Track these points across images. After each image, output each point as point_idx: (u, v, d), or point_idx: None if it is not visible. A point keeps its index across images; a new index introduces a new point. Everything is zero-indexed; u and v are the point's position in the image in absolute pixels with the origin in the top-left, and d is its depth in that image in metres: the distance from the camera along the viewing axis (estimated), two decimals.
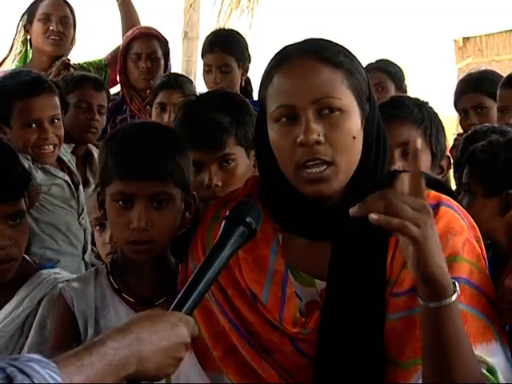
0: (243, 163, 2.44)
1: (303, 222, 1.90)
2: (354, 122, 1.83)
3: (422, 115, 2.66)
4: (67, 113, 3.61)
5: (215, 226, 1.94)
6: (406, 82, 4.89)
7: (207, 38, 4.65)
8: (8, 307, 2.31)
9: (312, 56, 1.83)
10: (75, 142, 3.77)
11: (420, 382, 1.76)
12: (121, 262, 2.23)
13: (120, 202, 2.10)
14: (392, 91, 4.70)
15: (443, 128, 2.68)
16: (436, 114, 2.68)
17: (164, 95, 3.91)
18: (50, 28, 4.45)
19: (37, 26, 4.49)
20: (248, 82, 4.54)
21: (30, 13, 4.53)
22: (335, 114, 1.81)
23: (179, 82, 3.93)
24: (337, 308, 1.84)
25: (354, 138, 1.82)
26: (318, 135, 1.79)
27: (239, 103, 2.51)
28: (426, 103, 2.79)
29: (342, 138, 1.81)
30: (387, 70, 4.77)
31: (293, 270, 1.91)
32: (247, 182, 2.04)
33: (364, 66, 1.94)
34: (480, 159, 2.51)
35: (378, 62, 4.85)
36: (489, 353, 1.80)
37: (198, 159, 2.38)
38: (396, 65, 4.88)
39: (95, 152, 3.86)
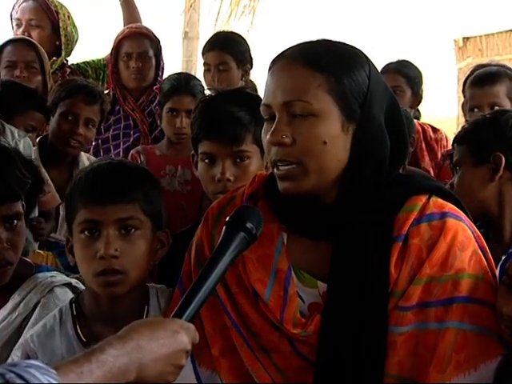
0: (257, 163, 2.45)
1: (304, 221, 1.90)
2: (328, 128, 1.81)
3: None
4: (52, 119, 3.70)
5: (221, 220, 1.94)
6: (422, 88, 4.80)
7: (209, 38, 4.66)
8: (3, 312, 2.27)
9: (294, 58, 1.84)
10: (59, 152, 3.77)
11: None
12: (89, 309, 2.09)
13: (86, 233, 2.03)
14: (408, 96, 4.67)
15: (410, 121, 2.70)
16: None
17: (175, 101, 3.88)
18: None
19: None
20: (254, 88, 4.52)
21: None
22: (306, 117, 1.81)
23: (190, 87, 3.91)
24: (337, 311, 1.83)
25: (325, 143, 1.81)
26: (282, 137, 1.81)
27: (259, 103, 2.51)
28: None
29: (309, 143, 1.81)
30: (407, 74, 4.69)
31: (296, 270, 1.90)
32: (254, 179, 2.04)
33: (384, 66, 1.94)
34: (464, 134, 2.65)
35: (399, 63, 4.76)
36: (491, 371, 1.80)
37: (214, 152, 2.40)
38: (416, 68, 4.80)
39: (84, 155, 3.89)
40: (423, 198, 1.89)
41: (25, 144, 3.53)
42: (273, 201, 1.93)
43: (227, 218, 1.75)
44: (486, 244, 1.92)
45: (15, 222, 2.23)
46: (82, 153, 3.91)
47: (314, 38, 1.92)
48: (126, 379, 1.46)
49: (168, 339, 1.54)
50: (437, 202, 1.89)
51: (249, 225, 1.72)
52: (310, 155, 1.81)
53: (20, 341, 2.18)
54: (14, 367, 1.32)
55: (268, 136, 1.83)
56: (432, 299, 1.81)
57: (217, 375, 1.91)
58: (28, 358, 2.04)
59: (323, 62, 1.82)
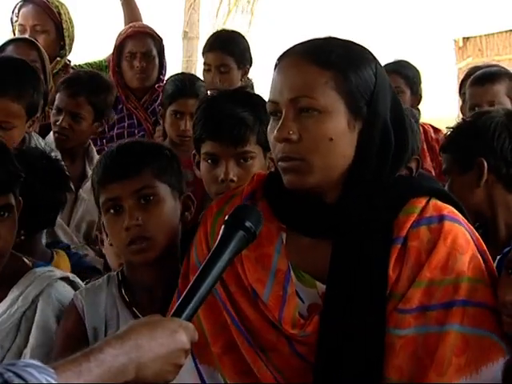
0: (260, 163, 2.45)
1: (305, 219, 1.89)
2: (334, 124, 1.82)
3: None
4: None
5: (220, 220, 1.93)
6: (421, 87, 4.82)
7: (209, 37, 4.64)
8: (2, 306, 2.28)
9: (302, 55, 1.84)
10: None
11: None
12: (129, 278, 2.23)
13: (111, 211, 2.15)
14: (407, 96, 4.67)
15: (413, 130, 2.70)
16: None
17: (181, 103, 3.86)
18: None
19: None
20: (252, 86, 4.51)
21: None
22: (312, 114, 1.81)
23: (195, 89, 3.90)
24: (336, 311, 1.83)
25: (331, 139, 1.81)
26: (289, 133, 1.81)
27: (262, 104, 2.49)
28: None
29: (316, 139, 1.81)
30: (405, 74, 4.70)
31: (296, 270, 1.90)
32: (252, 178, 2.03)
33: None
34: (448, 142, 2.68)
35: (396, 63, 4.77)
36: (493, 373, 1.79)
37: (217, 153, 2.41)
38: (414, 68, 4.81)
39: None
40: (423, 201, 1.88)
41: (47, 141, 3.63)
42: (274, 199, 1.93)
43: (226, 217, 1.74)
44: (485, 246, 1.92)
45: (5, 213, 2.23)
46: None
47: (322, 36, 1.92)
48: (124, 378, 1.46)
49: (167, 338, 1.53)
50: (436, 205, 1.88)
51: (248, 223, 1.71)
52: (316, 152, 1.81)
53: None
54: (12, 366, 1.32)
55: (275, 132, 1.83)
56: (433, 302, 1.81)
57: (218, 373, 1.90)
58: (77, 312, 2.21)
59: (331, 59, 1.82)
